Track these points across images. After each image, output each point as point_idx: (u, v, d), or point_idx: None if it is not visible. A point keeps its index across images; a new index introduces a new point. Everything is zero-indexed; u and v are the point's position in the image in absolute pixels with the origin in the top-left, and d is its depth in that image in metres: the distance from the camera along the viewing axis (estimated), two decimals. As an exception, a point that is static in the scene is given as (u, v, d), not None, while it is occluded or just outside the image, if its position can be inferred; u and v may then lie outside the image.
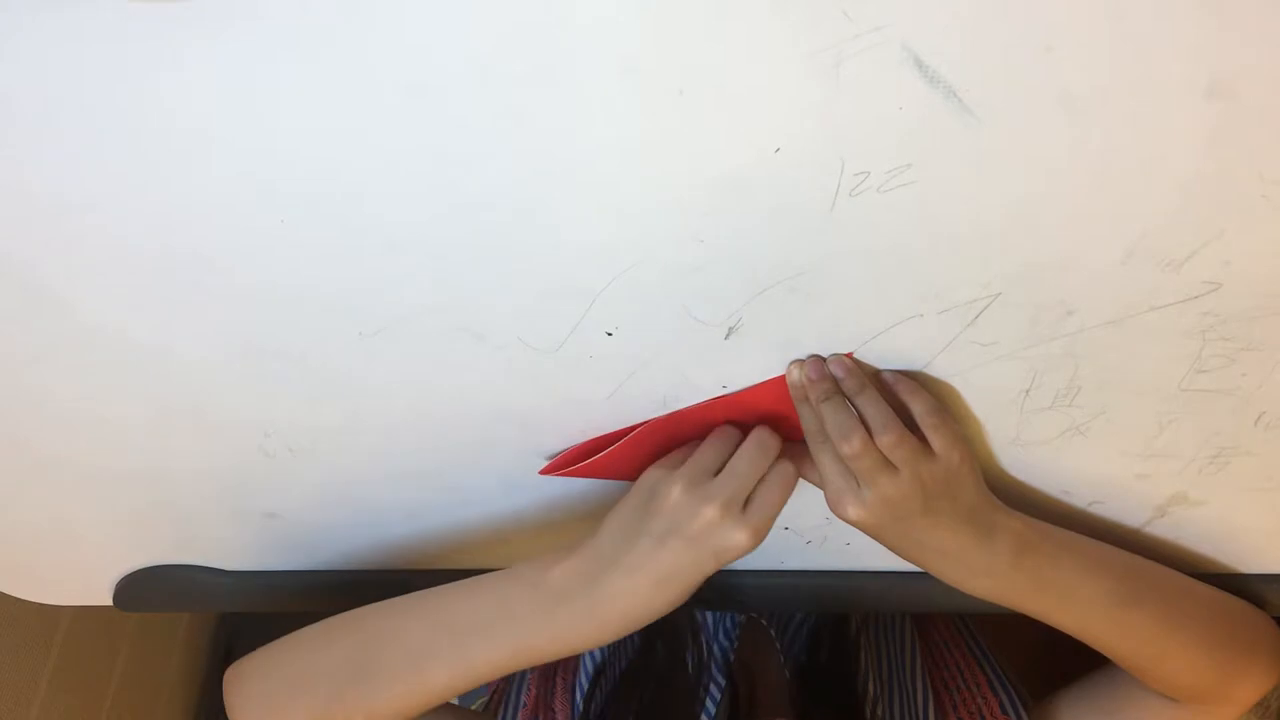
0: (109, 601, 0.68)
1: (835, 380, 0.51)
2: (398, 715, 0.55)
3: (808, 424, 0.52)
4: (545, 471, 0.58)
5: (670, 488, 0.51)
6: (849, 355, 0.51)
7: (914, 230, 0.44)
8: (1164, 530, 0.62)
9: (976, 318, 0.48)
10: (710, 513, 0.50)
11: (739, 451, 0.52)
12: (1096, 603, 0.57)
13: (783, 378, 0.52)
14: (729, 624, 0.71)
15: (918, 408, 0.51)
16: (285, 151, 0.41)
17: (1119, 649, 0.59)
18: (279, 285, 0.47)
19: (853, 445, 0.49)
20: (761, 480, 0.52)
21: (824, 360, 0.51)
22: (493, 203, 0.43)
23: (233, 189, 0.42)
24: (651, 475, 0.53)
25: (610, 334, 0.50)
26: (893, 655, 0.74)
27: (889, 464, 0.50)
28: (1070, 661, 0.66)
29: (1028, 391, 0.52)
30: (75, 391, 0.52)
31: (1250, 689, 0.60)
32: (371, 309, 0.48)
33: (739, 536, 0.50)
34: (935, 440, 0.51)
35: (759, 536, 0.51)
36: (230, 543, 0.65)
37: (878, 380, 0.52)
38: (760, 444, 0.52)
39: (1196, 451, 0.55)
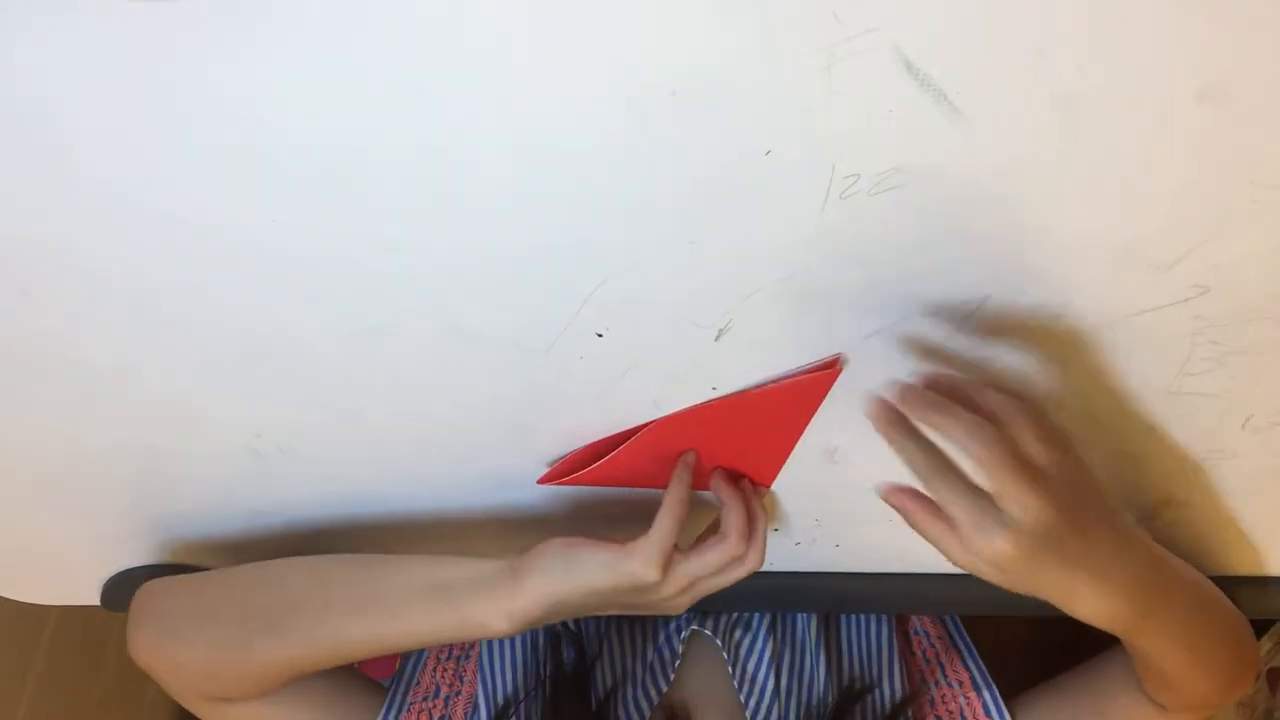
0: (97, 601, 0.68)
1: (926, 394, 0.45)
2: (295, 671, 0.57)
3: (914, 459, 0.44)
4: (544, 481, 0.58)
5: (661, 590, 0.52)
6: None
7: (903, 233, 0.44)
8: (1151, 534, 0.62)
9: (966, 320, 0.48)
10: (679, 604, 0.53)
11: (727, 571, 0.53)
12: (1177, 621, 0.52)
13: (787, 384, 0.51)
14: (667, 649, 0.67)
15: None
16: (283, 151, 0.41)
17: (1160, 662, 0.54)
18: (272, 285, 0.47)
19: (1003, 443, 0.42)
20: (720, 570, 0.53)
21: (906, 382, 0.46)
22: (485, 204, 0.43)
23: (229, 189, 0.42)
24: (641, 570, 0.51)
25: (601, 335, 0.50)
26: (864, 650, 0.71)
27: (1037, 471, 0.43)
28: (1065, 661, 0.66)
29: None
30: (65, 390, 0.52)
31: (1232, 697, 0.60)
32: (363, 309, 0.48)
33: (675, 608, 0.54)
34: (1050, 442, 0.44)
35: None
36: (218, 543, 0.65)
37: (939, 385, 0.47)
38: (739, 565, 0.53)
39: (1185, 454, 0.56)
